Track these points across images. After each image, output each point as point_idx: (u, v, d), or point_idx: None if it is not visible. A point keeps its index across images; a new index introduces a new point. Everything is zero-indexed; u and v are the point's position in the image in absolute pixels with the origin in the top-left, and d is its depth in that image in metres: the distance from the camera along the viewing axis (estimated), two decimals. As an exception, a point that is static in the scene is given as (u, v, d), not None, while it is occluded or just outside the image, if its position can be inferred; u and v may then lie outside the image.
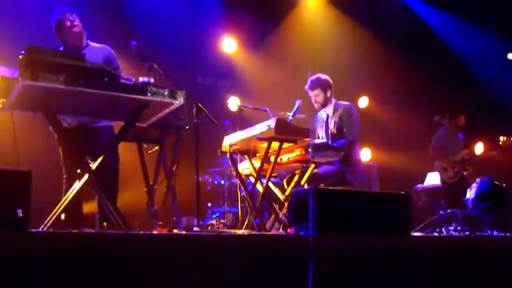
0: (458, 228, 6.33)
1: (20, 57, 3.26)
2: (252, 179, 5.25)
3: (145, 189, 4.79)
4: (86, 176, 3.56)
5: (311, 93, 5.89)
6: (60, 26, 4.71)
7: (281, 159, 4.99)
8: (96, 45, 4.90)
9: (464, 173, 7.57)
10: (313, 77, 5.87)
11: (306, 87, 5.88)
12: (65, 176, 4.68)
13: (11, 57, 3.63)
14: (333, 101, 5.86)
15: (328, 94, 5.84)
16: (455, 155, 7.65)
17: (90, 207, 4.79)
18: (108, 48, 4.89)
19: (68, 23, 4.69)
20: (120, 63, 4.80)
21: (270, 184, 5.08)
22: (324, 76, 5.88)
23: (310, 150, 4.84)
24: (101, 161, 3.68)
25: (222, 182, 8.37)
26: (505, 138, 7.66)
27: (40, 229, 3.41)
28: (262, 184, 4.98)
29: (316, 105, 5.90)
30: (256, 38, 9.44)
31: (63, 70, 3.29)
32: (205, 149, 4.84)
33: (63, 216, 3.78)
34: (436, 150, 7.82)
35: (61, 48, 4.76)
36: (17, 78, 3.25)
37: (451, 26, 10.02)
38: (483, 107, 9.51)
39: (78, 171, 3.61)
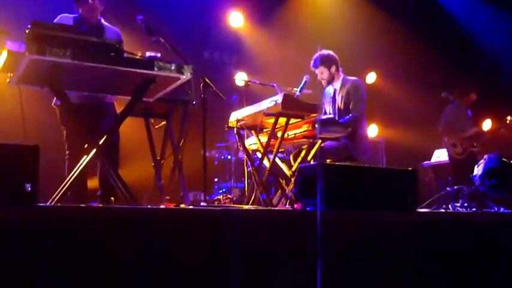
0: (465, 204, 6.33)
1: (27, 31, 3.24)
2: (259, 155, 5.25)
3: (153, 164, 4.79)
4: (94, 151, 3.56)
5: (316, 71, 5.86)
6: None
7: (288, 134, 4.98)
8: (108, 24, 4.88)
9: (474, 150, 7.57)
10: (316, 55, 5.82)
11: (311, 66, 5.85)
12: (67, 152, 4.69)
13: (18, 32, 3.61)
14: (341, 75, 5.83)
15: (333, 70, 5.80)
16: (465, 131, 7.63)
17: (92, 183, 4.82)
18: (119, 31, 4.88)
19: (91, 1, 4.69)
20: (126, 38, 4.79)
21: (277, 159, 5.07)
22: (326, 52, 5.83)
23: (317, 126, 4.83)
24: (108, 136, 3.69)
25: (229, 157, 8.38)
26: None
27: (48, 203, 3.43)
28: (269, 159, 4.97)
29: (322, 82, 5.88)
30: (264, 13, 9.36)
31: (70, 44, 3.27)
32: (212, 124, 4.84)
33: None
34: (445, 126, 7.80)
35: (76, 17, 4.76)
36: (23, 53, 3.24)
37: (460, 1, 9.91)
38: (491, 83, 9.44)
39: (86, 146, 3.61)
